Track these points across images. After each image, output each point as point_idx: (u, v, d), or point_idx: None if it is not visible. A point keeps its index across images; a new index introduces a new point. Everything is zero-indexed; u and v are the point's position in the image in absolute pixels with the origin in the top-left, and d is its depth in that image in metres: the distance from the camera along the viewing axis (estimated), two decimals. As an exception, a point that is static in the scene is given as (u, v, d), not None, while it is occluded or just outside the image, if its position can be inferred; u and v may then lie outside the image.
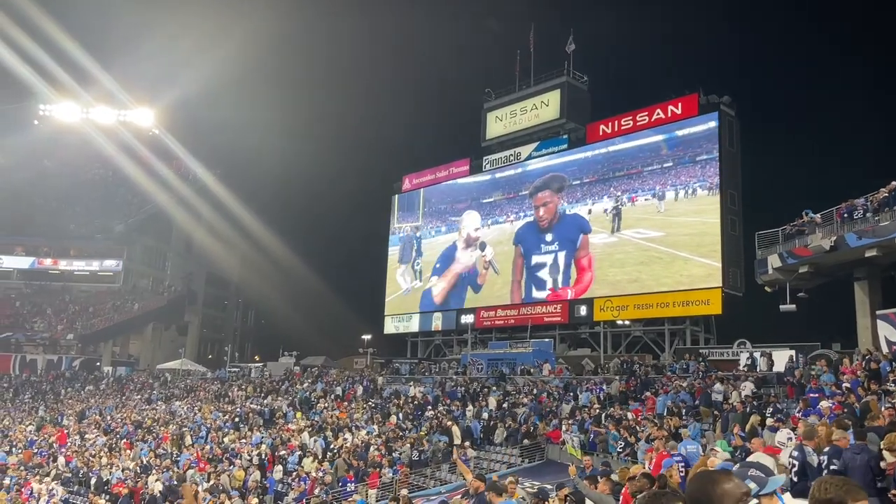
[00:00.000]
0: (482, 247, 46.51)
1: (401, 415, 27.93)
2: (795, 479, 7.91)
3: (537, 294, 42.55)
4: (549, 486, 15.22)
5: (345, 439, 25.06)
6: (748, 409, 18.46)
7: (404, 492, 16.88)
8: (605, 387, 26.38)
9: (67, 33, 53.83)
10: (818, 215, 25.61)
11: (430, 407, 28.30)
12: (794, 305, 26.96)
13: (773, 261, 26.84)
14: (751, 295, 33.92)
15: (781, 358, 25.48)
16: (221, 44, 59.38)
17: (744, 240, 34.57)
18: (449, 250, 48.53)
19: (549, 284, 42.12)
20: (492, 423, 24.96)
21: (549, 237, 43.07)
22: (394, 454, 22.85)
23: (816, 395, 16.50)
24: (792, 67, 66.86)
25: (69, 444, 31.55)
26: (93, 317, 57.76)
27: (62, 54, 54.24)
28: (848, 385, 16.69)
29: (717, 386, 22.18)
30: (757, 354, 27.28)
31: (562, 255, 41.99)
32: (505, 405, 26.47)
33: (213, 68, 57.79)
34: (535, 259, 43.23)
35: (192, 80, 58.13)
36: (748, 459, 5.19)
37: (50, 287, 60.72)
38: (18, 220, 60.72)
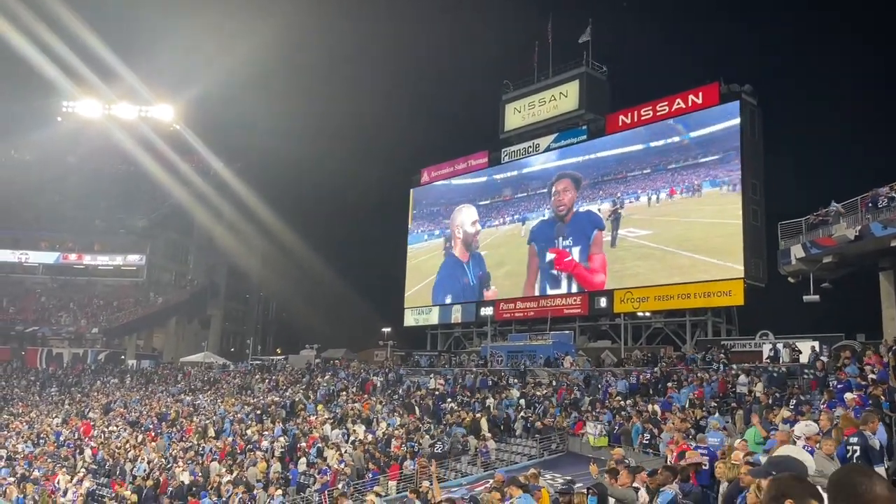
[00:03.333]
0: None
1: (419, 407, 28.08)
2: (858, 463, 7.84)
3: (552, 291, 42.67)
4: (567, 477, 15.22)
5: (367, 432, 25.24)
6: (770, 401, 18.35)
7: (426, 483, 16.95)
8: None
9: (90, 29, 54.39)
10: (840, 205, 25.33)
11: (449, 399, 28.43)
12: (817, 296, 26.65)
13: (797, 251, 26.53)
14: (773, 286, 33.59)
15: (805, 349, 25.23)
16: (242, 41, 59.74)
17: (766, 230, 34.23)
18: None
19: (563, 282, 42.18)
20: (513, 415, 25.01)
21: (564, 232, 42.91)
22: (412, 444, 22.96)
23: (842, 386, 16.31)
24: (815, 55, 65.82)
25: (95, 436, 32.06)
26: (117, 311, 58.58)
27: (84, 51, 54.78)
28: (874, 376, 16.48)
29: (742, 378, 22.04)
30: (780, 346, 27.04)
31: (577, 251, 41.88)
32: (525, 398, 26.51)
33: (233, 65, 58.19)
34: (549, 256, 43.20)
35: (213, 76, 58.54)
36: (778, 453, 5.12)
37: (75, 282, 61.58)
38: (43, 215, 61.68)
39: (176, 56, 61.77)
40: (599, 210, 41.20)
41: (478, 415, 25.02)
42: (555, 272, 42.55)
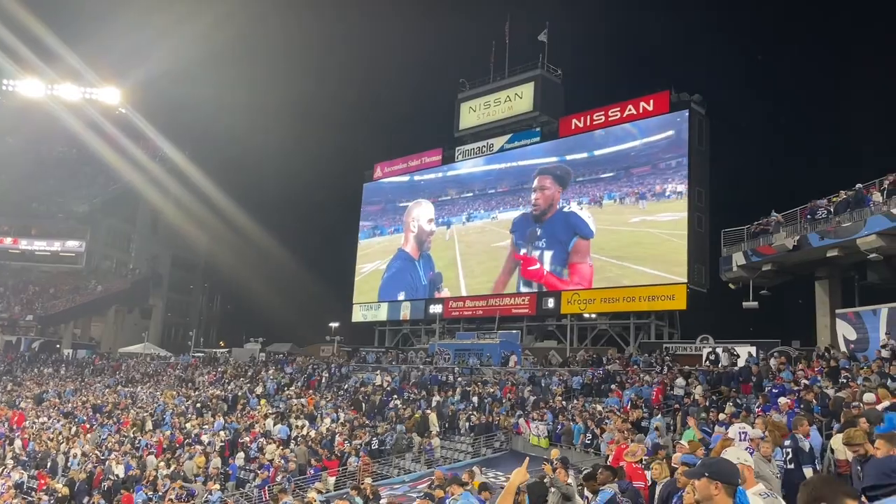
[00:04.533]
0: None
1: (365, 404, 27.91)
2: (791, 465, 8.08)
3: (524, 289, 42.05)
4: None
5: (310, 428, 24.96)
6: (708, 403, 18.79)
7: (368, 480, 16.86)
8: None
9: (28, 8, 52.35)
10: (779, 215, 26.19)
11: (395, 396, 28.34)
12: (756, 303, 27.51)
13: (738, 258, 27.33)
14: (715, 291, 34.46)
15: (742, 354, 25.92)
16: (191, 22, 58.07)
17: (710, 237, 35.08)
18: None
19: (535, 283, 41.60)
20: (457, 412, 25.06)
21: (537, 233, 42.14)
22: (354, 442, 22.82)
23: (777, 390, 16.82)
24: (765, 68, 67.69)
25: (26, 426, 30.92)
26: (53, 298, 56.61)
27: (24, 30, 52.76)
28: (806, 381, 17.05)
29: (679, 380, 22.51)
30: (719, 350, 27.73)
31: (548, 256, 41.04)
32: (471, 395, 26.58)
33: (182, 47, 56.59)
34: (524, 253, 42.54)
35: (162, 58, 56.85)
36: (723, 455, 5.25)
37: (9, 266, 59.29)
38: (-23, 197, 59.16)
39: (122, 37, 59.95)
40: (587, 210, 39.99)
41: (427, 411, 25.01)
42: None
